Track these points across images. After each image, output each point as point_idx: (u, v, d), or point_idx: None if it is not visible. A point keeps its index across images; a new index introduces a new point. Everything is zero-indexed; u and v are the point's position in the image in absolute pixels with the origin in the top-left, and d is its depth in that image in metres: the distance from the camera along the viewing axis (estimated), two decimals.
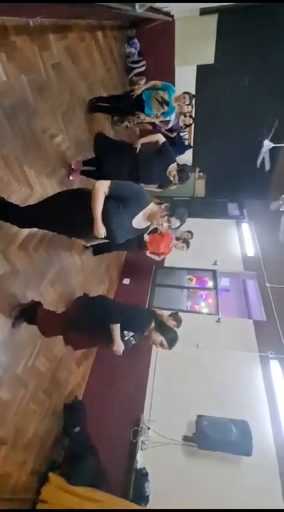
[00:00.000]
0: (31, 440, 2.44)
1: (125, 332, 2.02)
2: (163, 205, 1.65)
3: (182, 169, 2.77)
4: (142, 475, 2.80)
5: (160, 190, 3.06)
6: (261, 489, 2.75)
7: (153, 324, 2.03)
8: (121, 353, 2.01)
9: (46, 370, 2.68)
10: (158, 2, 2.16)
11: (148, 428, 3.09)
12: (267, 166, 4.09)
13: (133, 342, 2.09)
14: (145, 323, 2.04)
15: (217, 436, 2.86)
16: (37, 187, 2.43)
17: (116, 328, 1.95)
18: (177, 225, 1.69)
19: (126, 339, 2.03)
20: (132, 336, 2.04)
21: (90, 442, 2.92)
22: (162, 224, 1.65)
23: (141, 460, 2.94)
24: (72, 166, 3.05)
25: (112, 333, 1.95)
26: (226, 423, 2.95)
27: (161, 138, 2.74)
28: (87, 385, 3.55)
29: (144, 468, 2.87)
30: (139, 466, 2.89)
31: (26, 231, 2.28)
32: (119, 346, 1.97)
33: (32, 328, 2.42)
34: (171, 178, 2.83)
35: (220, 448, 2.85)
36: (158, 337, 1.99)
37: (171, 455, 2.98)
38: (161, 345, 2.00)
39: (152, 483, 2.78)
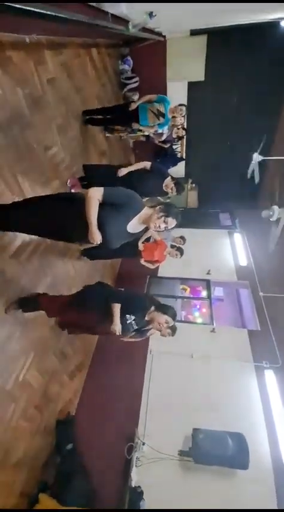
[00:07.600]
0: (21, 460, 2.33)
1: (127, 316, 2.11)
2: (157, 207, 1.66)
3: (177, 182, 2.98)
4: (137, 494, 2.69)
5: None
6: (257, 503, 2.68)
7: (153, 307, 2.12)
8: (119, 333, 2.08)
9: (38, 385, 2.60)
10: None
11: (143, 444, 3.00)
12: (257, 179, 4.22)
13: (135, 326, 2.17)
14: (145, 305, 2.15)
15: (213, 450, 2.79)
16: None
17: (117, 307, 2.05)
18: (173, 225, 1.68)
19: (128, 322, 2.12)
20: (133, 320, 2.14)
21: (82, 460, 2.81)
22: (159, 226, 1.63)
23: (136, 477, 2.84)
24: (68, 184, 3.05)
25: (113, 312, 2.06)
26: (222, 436, 2.89)
27: (147, 164, 2.87)
28: (80, 400, 3.44)
29: (139, 487, 2.76)
30: (134, 483, 2.79)
31: (19, 240, 2.27)
32: (117, 325, 2.05)
33: (24, 340, 2.36)
34: (169, 191, 2.97)
35: (217, 462, 2.79)
36: (161, 317, 2.09)
37: (166, 471, 2.89)
38: (166, 322, 2.09)
39: (147, 500, 2.67)
